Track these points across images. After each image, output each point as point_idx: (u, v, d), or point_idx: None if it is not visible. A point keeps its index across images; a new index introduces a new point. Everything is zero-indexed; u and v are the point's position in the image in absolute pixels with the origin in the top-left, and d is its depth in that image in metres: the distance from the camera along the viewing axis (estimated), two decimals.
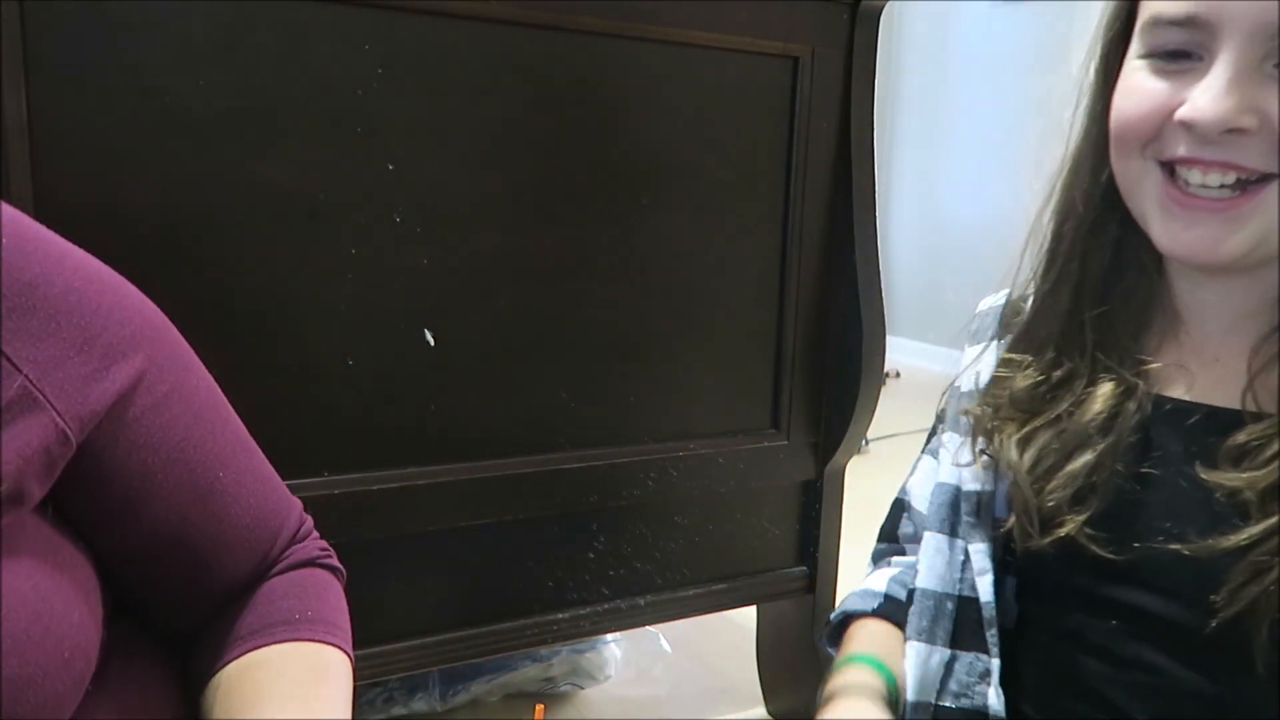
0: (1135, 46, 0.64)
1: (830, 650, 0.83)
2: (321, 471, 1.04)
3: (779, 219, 1.28)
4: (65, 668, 0.52)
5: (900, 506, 0.86)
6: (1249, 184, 0.59)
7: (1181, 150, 0.60)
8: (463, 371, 1.11)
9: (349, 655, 0.66)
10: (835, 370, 1.34)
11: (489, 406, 1.13)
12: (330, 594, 0.69)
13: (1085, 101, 0.70)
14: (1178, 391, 0.68)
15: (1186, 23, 0.60)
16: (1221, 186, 0.60)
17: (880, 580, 0.83)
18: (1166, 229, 0.63)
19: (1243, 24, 0.57)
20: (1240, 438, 0.61)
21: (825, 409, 1.35)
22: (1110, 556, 0.64)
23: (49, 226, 0.59)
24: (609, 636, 1.62)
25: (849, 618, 0.82)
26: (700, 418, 1.28)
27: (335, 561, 0.72)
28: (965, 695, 0.72)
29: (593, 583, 1.24)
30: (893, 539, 0.87)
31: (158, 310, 0.62)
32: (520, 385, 1.15)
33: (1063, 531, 0.65)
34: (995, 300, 0.82)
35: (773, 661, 1.59)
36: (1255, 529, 0.58)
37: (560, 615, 1.22)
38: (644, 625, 1.36)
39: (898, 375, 3.86)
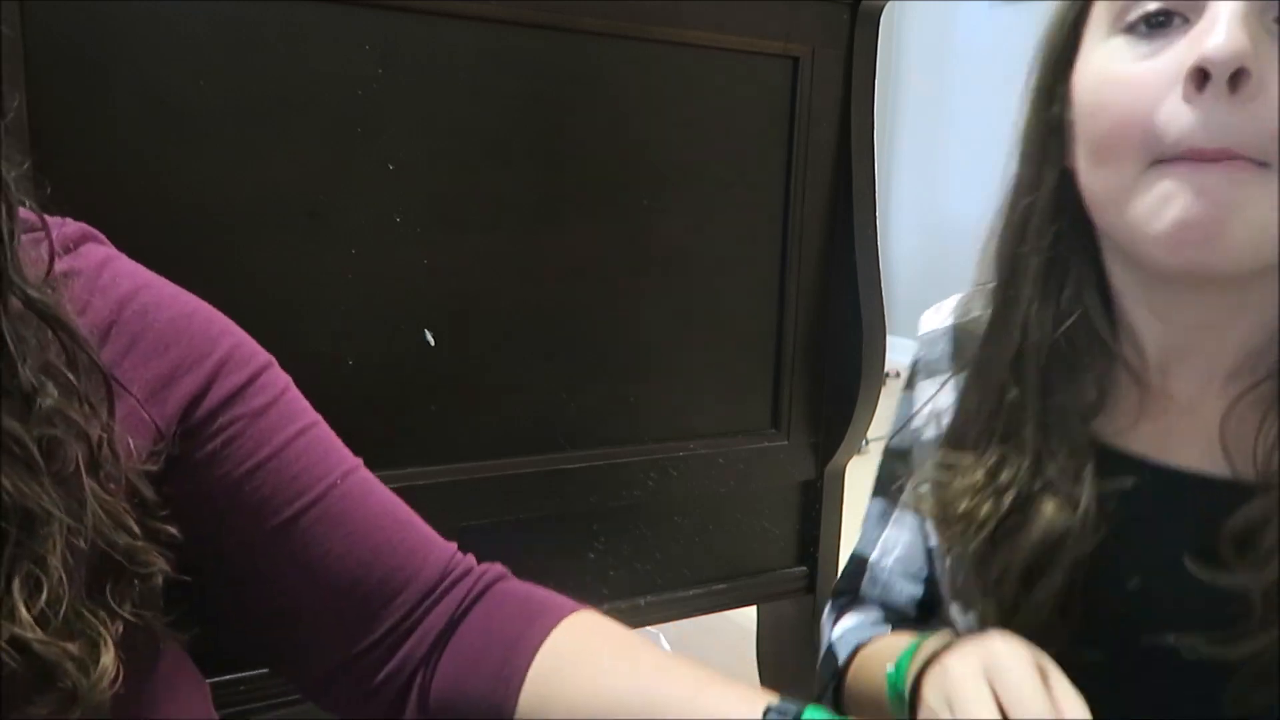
0: (1101, 27, 0.57)
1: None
2: None
3: (779, 219, 1.28)
4: None
5: (860, 566, 0.79)
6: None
7: (1181, 130, 0.52)
8: (463, 371, 1.10)
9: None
10: (835, 370, 1.34)
11: (489, 406, 1.13)
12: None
13: (1030, 126, 0.62)
14: (1153, 456, 0.60)
15: None
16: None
17: (854, 623, 0.76)
18: (1165, 213, 0.53)
19: None
20: (1239, 521, 0.54)
21: (825, 409, 1.35)
22: (1105, 663, 0.57)
23: None
24: None
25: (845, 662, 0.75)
26: (700, 418, 1.28)
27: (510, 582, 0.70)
28: None
29: (593, 583, 1.24)
30: (854, 593, 0.80)
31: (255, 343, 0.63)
32: (520, 385, 1.15)
33: (1053, 651, 0.55)
34: (940, 319, 0.75)
35: (773, 661, 1.59)
36: (1264, 637, 0.52)
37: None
38: (644, 625, 1.36)
39: (898, 375, 3.85)
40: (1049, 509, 0.59)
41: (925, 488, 0.66)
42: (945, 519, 0.63)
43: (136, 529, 0.50)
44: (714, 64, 1.19)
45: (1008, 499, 0.60)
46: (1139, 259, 0.57)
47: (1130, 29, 0.55)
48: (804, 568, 1.40)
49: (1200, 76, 0.51)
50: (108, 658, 0.46)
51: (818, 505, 1.38)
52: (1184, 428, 0.60)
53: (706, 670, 0.58)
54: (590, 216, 1.16)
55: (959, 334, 0.71)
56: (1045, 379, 0.61)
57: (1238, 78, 0.50)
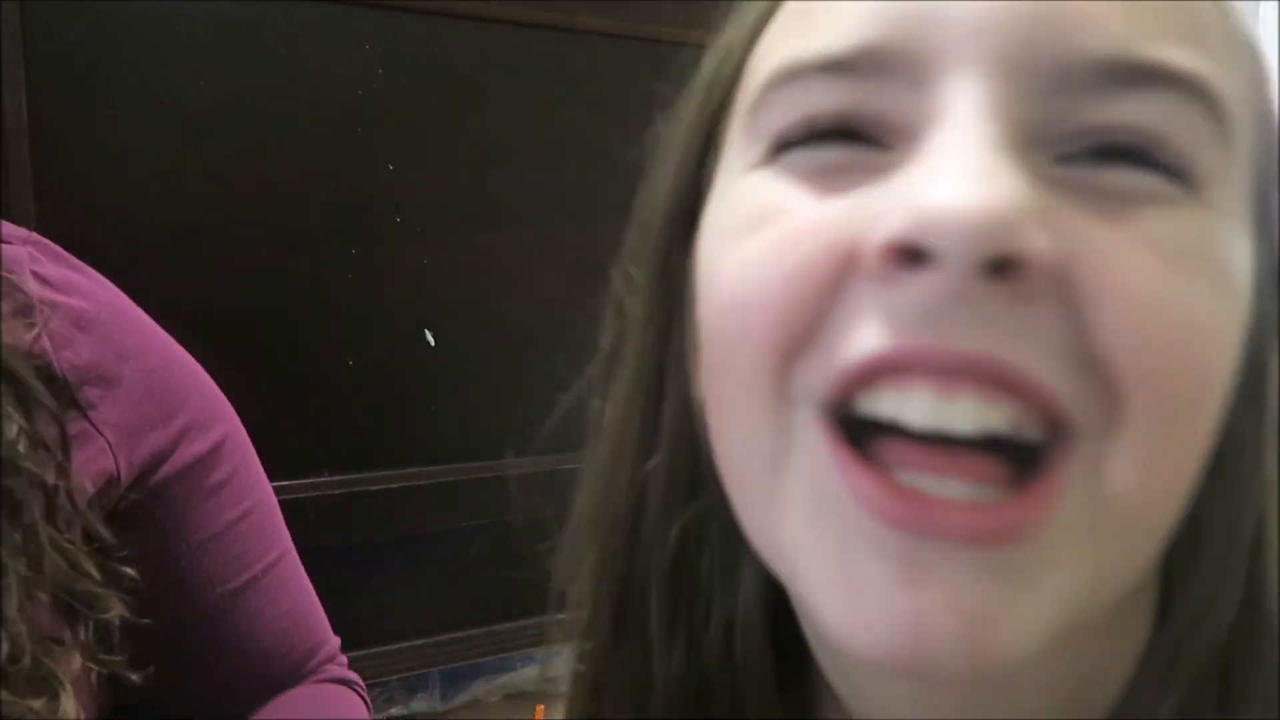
0: (743, 153, 0.29)
1: None
2: (321, 471, 1.04)
3: None
4: None
5: None
6: (1041, 453, 0.23)
7: (882, 334, 0.23)
8: (463, 371, 1.10)
9: None
10: None
11: (489, 406, 1.13)
12: (353, 710, 0.66)
13: (640, 336, 0.36)
14: None
15: (859, 61, 0.25)
16: (981, 475, 0.23)
17: None
18: (855, 592, 0.24)
19: (989, 46, 0.24)
20: None
21: None
22: None
23: (49, 226, 0.59)
24: None
25: None
26: None
27: (364, 693, 0.69)
28: None
29: None
30: None
31: (228, 404, 0.63)
32: (520, 385, 1.15)
33: None
34: None
35: None
36: None
37: (560, 615, 1.22)
38: None
39: None
40: None
41: None
42: None
43: (96, 573, 0.50)
44: None
45: None
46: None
47: (785, 146, 0.27)
48: None
49: (910, 255, 0.23)
50: (68, 704, 0.47)
51: None
52: None
53: None
54: (590, 216, 1.16)
55: None
56: None
57: (1004, 268, 0.22)
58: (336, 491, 1.04)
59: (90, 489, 0.52)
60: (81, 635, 0.49)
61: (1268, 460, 0.26)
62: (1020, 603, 0.23)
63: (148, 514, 0.57)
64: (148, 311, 0.61)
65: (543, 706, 1.50)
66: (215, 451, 0.60)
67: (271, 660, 0.64)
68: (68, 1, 0.86)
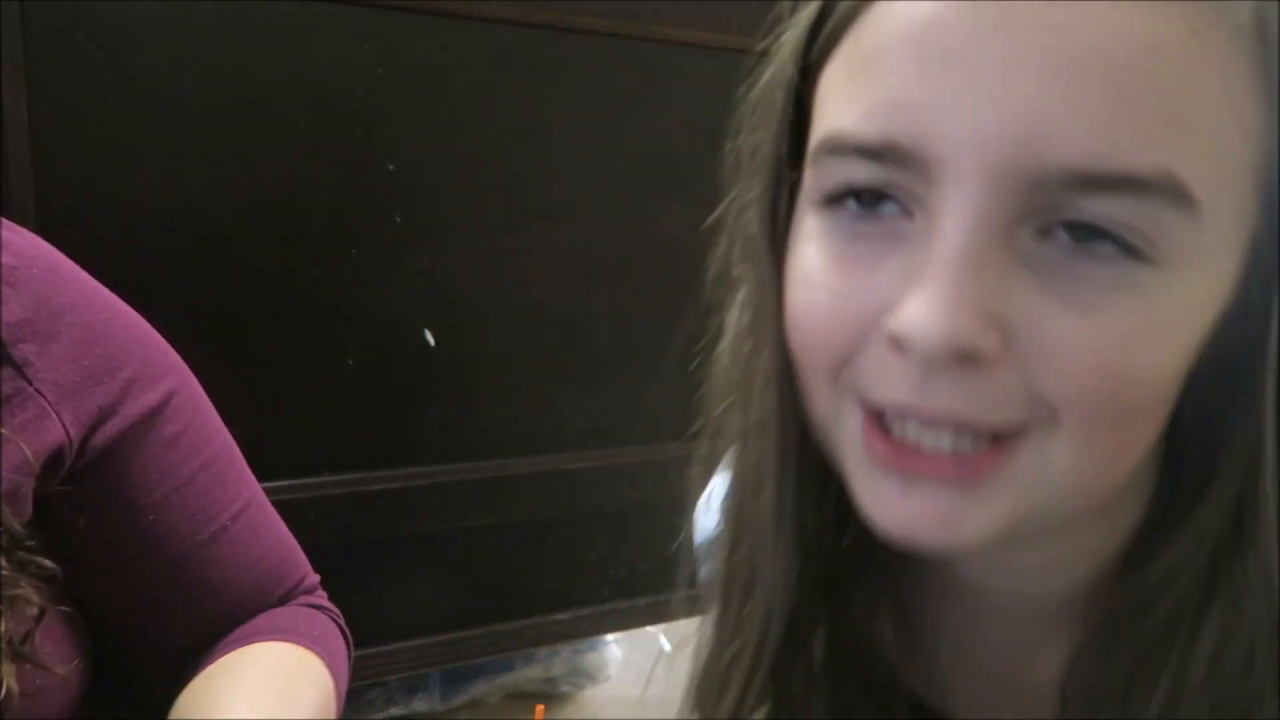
0: (808, 184, 0.38)
1: None
2: (321, 471, 1.04)
3: None
4: None
5: None
6: (998, 438, 0.35)
7: (891, 390, 0.35)
8: (463, 371, 1.10)
9: (331, 671, 0.63)
10: None
11: (489, 406, 1.13)
12: (327, 630, 0.66)
13: (749, 266, 0.44)
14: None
15: (883, 153, 0.34)
16: (958, 440, 0.35)
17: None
18: (876, 498, 0.37)
19: (978, 155, 0.32)
20: None
21: None
22: None
23: (49, 226, 0.59)
24: (609, 637, 1.62)
25: None
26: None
27: (341, 621, 0.69)
28: None
29: (593, 583, 1.24)
30: None
31: (178, 356, 0.62)
32: (520, 385, 1.15)
33: None
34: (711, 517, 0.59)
35: None
36: None
37: (560, 616, 1.22)
38: (644, 625, 1.36)
39: None
40: None
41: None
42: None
43: (4, 562, 0.49)
44: (714, 64, 1.19)
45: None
46: None
47: (829, 199, 0.36)
48: None
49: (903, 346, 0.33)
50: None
51: None
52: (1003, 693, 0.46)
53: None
54: (590, 216, 1.16)
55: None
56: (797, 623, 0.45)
57: (966, 358, 0.32)
58: (336, 491, 1.04)
59: (35, 463, 0.51)
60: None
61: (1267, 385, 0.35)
62: (969, 517, 0.35)
63: (104, 471, 0.56)
64: (147, 311, 0.61)
65: (543, 706, 1.50)
66: (166, 403, 0.59)
67: (248, 605, 0.63)
68: (68, 1, 0.86)
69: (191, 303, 0.94)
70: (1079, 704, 0.41)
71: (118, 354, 0.57)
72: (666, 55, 1.16)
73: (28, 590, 0.51)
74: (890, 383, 0.35)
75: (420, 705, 1.50)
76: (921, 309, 0.32)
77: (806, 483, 0.42)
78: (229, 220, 0.96)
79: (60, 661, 0.54)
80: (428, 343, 1.08)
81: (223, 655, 0.61)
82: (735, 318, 0.48)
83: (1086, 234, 0.32)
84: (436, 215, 1.06)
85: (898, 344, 0.34)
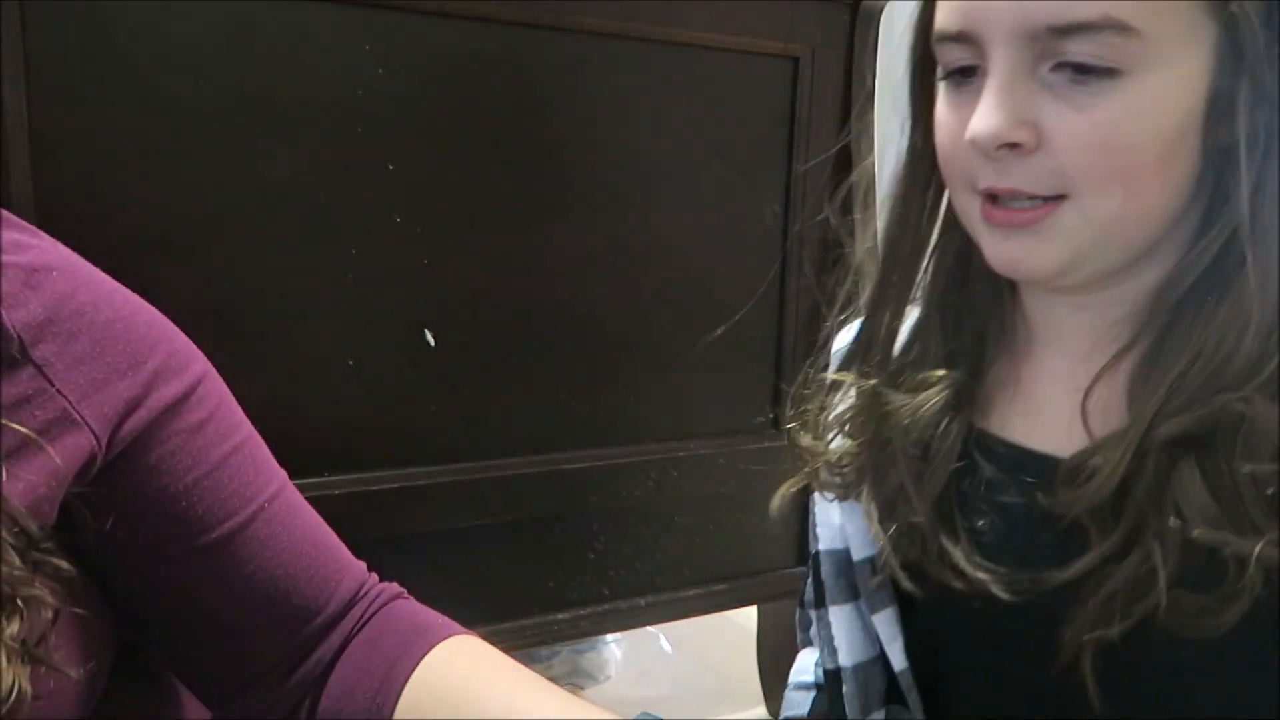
0: (938, 68, 0.61)
1: None
2: (321, 471, 1.04)
3: (779, 219, 1.28)
4: None
5: (816, 566, 0.81)
6: (1050, 199, 0.56)
7: (983, 177, 0.57)
8: (463, 371, 1.10)
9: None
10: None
11: (489, 406, 1.13)
12: (426, 617, 0.68)
13: (907, 123, 0.66)
14: (1029, 426, 0.64)
15: (959, 37, 0.56)
16: (1030, 198, 0.56)
17: (809, 664, 0.80)
18: (988, 244, 0.60)
19: (1003, 28, 0.54)
20: (1072, 462, 0.58)
21: None
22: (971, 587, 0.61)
23: (49, 226, 0.59)
24: (609, 637, 1.62)
25: None
26: (700, 418, 1.28)
27: (410, 598, 0.70)
28: None
29: (593, 583, 1.24)
30: (804, 605, 0.83)
31: (199, 351, 0.63)
32: (520, 385, 1.15)
33: (934, 577, 0.62)
34: (850, 335, 0.77)
35: (773, 662, 1.59)
36: (1087, 559, 0.56)
37: (560, 615, 1.22)
38: (644, 625, 1.36)
39: None
40: (948, 416, 0.65)
41: (850, 413, 0.71)
42: (866, 436, 0.68)
43: (19, 563, 0.49)
44: (714, 64, 1.19)
45: (923, 411, 0.65)
46: None
47: (948, 76, 0.59)
48: (804, 568, 1.40)
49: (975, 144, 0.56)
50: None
51: None
52: (1047, 415, 0.64)
53: (578, 701, 0.61)
54: (590, 216, 1.16)
55: (861, 340, 0.74)
56: (950, 314, 0.67)
57: (1011, 145, 0.55)
58: (336, 491, 1.04)
59: (66, 470, 0.51)
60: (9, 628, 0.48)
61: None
62: (1039, 252, 0.57)
63: (133, 461, 0.56)
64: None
65: None
66: (192, 391, 0.59)
67: (298, 591, 0.62)
68: (68, 1, 0.86)
69: (191, 302, 0.94)
70: (1096, 413, 0.59)
71: (141, 347, 0.57)
72: (666, 55, 1.16)
73: (43, 592, 0.51)
74: (982, 173, 0.57)
75: None
76: (979, 119, 0.55)
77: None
78: (229, 220, 0.96)
79: (74, 664, 0.54)
80: (428, 343, 1.08)
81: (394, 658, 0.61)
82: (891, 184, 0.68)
83: (1077, 66, 0.53)
84: (436, 215, 1.06)
85: (972, 144, 0.56)
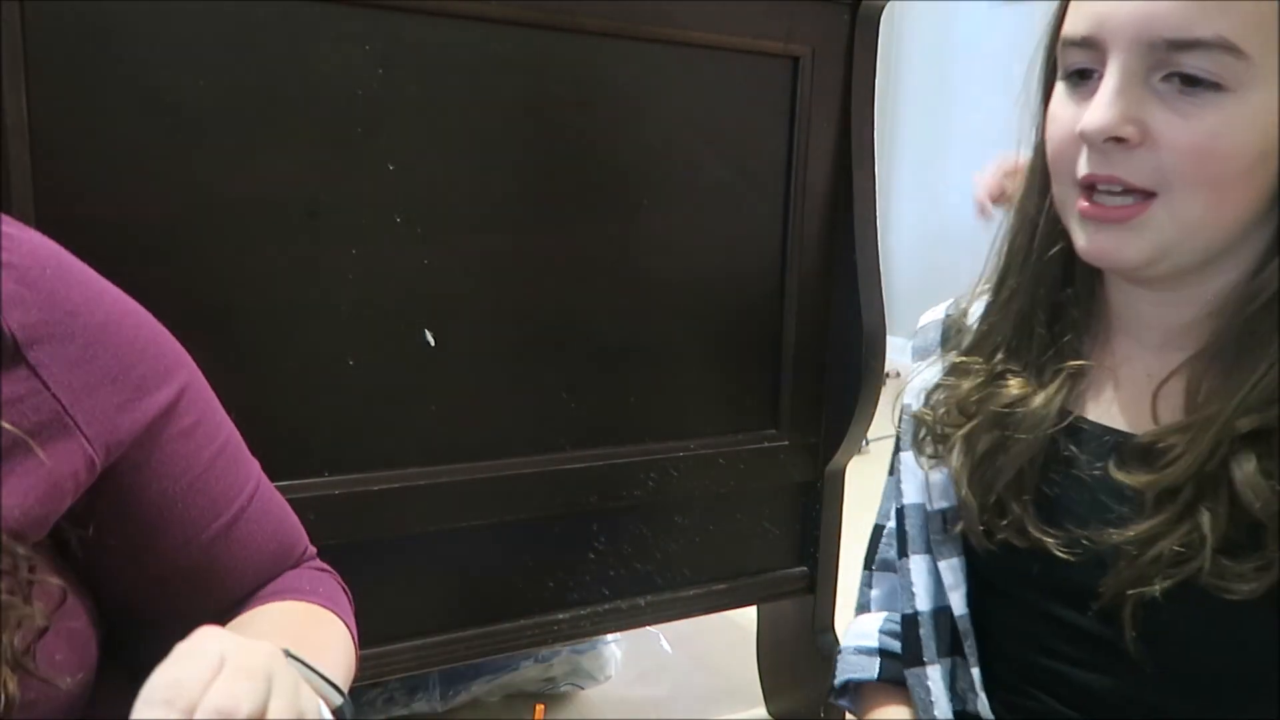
0: (1059, 69, 0.67)
1: (841, 703, 0.86)
2: (321, 471, 1.04)
3: (779, 219, 1.28)
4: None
5: (878, 533, 0.88)
6: (1146, 194, 0.61)
7: (1086, 166, 0.63)
8: (463, 371, 1.10)
9: (351, 631, 0.67)
10: (835, 370, 1.34)
11: (489, 406, 1.13)
12: (335, 590, 0.70)
13: (1037, 121, 0.73)
14: (1106, 405, 0.70)
15: (1084, 43, 0.62)
16: (1124, 193, 0.62)
17: (871, 629, 0.84)
18: (1082, 235, 0.65)
19: (1125, 37, 0.60)
20: (1145, 441, 0.65)
21: (825, 409, 1.35)
22: (1053, 550, 0.68)
23: (49, 228, 0.59)
24: (609, 637, 1.62)
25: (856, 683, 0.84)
26: (700, 418, 1.28)
27: (343, 584, 0.73)
28: (960, 699, 0.75)
29: (593, 583, 1.24)
30: (871, 567, 0.88)
31: (184, 351, 0.63)
32: (520, 385, 1.15)
33: (1000, 535, 0.69)
34: (936, 314, 0.84)
35: (773, 661, 1.59)
36: (1143, 525, 0.63)
37: (560, 615, 1.22)
38: (644, 625, 1.36)
39: (898, 375, 3.85)
40: (1047, 393, 0.71)
41: (937, 394, 0.77)
42: (946, 412, 0.75)
43: (9, 581, 0.49)
44: (714, 64, 1.19)
45: (1005, 393, 0.72)
46: None
47: (1067, 77, 0.65)
48: (804, 568, 1.40)
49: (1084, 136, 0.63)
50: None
51: (817, 505, 1.38)
52: (1121, 396, 0.71)
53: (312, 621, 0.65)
54: (590, 216, 1.16)
55: (949, 323, 0.82)
56: (1051, 303, 0.73)
57: (1117, 139, 0.61)
58: (336, 491, 1.04)
59: (62, 478, 0.52)
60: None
61: None
62: (1129, 245, 0.63)
63: (130, 468, 0.57)
64: (148, 311, 0.61)
65: (543, 706, 1.50)
66: (180, 397, 0.60)
67: (265, 578, 0.67)
68: (68, 1, 0.86)
69: (191, 302, 0.94)
70: (1165, 400, 0.66)
71: (129, 352, 0.57)
72: (666, 55, 1.16)
73: (33, 610, 0.51)
74: (1087, 162, 0.62)
75: (420, 705, 1.50)
76: (1092, 113, 0.61)
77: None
78: (228, 220, 0.96)
79: (63, 674, 0.54)
80: (428, 343, 1.08)
81: (243, 610, 0.64)
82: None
83: (1186, 77, 0.59)
84: (436, 215, 1.06)
85: (1082, 136, 0.62)
